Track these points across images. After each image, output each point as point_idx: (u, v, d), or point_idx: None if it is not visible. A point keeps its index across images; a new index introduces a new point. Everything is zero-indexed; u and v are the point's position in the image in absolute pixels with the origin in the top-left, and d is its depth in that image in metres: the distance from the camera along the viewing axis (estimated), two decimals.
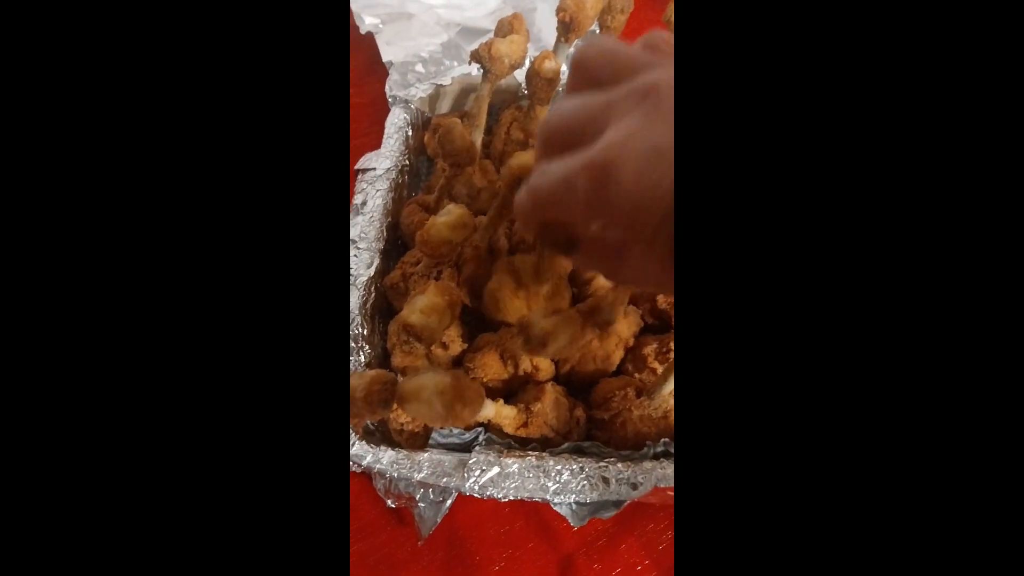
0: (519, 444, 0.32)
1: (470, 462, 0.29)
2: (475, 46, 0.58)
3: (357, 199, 0.45)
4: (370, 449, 0.30)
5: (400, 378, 0.25)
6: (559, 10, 0.38)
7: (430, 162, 0.47)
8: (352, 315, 0.34)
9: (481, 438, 0.31)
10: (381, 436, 0.33)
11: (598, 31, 0.40)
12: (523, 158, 0.28)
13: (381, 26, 0.54)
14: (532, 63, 0.39)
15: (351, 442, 0.30)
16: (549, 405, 0.31)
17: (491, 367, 0.33)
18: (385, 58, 0.50)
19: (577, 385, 0.35)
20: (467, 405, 0.24)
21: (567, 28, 0.39)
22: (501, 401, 0.30)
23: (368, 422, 0.33)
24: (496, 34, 0.40)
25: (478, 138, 0.43)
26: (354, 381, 0.23)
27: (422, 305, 0.25)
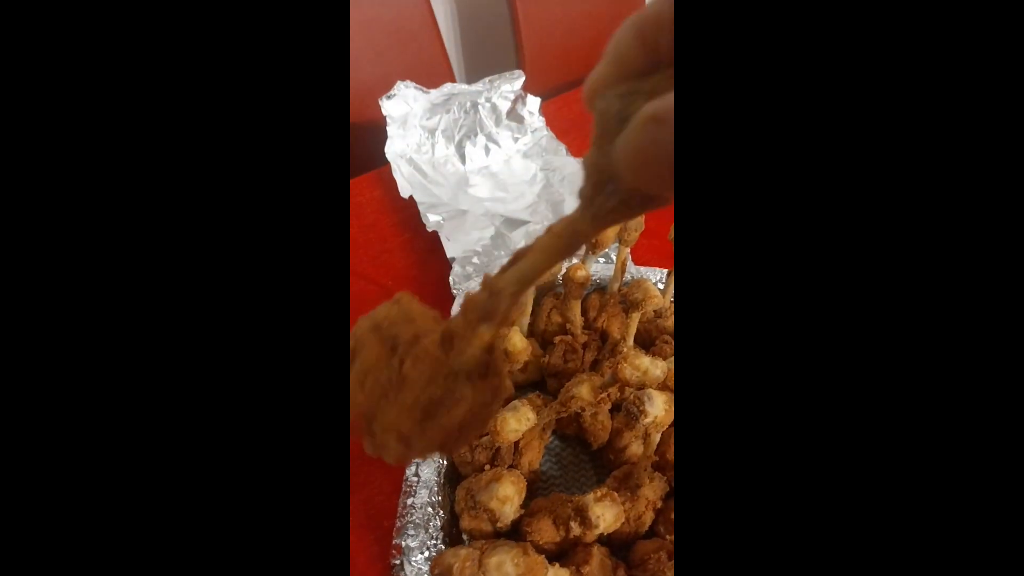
0: None
1: None
2: (516, 233, 0.71)
3: None
4: None
5: (481, 549, 0.32)
6: None
7: None
8: (430, 485, 0.42)
9: None
10: None
11: (618, 245, 0.51)
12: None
13: (443, 222, 0.68)
14: (567, 271, 0.50)
15: None
16: (596, 567, 0.38)
17: (546, 532, 0.40)
18: (448, 254, 0.62)
19: (616, 545, 0.42)
20: None
21: (593, 247, 0.50)
22: (557, 566, 0.37)
23: None
24: None
25: (524, 323, 0.53)
26: (449, 558, 0.31)
27: (499, 494, 0.34)
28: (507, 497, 0.33)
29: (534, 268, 0.18)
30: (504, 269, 0.19)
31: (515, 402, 0.39)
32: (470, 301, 0.19)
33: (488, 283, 0.19)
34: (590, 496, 0.32)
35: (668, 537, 0.40)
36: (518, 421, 0.38)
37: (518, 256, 0.19)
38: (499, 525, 0.37)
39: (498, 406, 0.20)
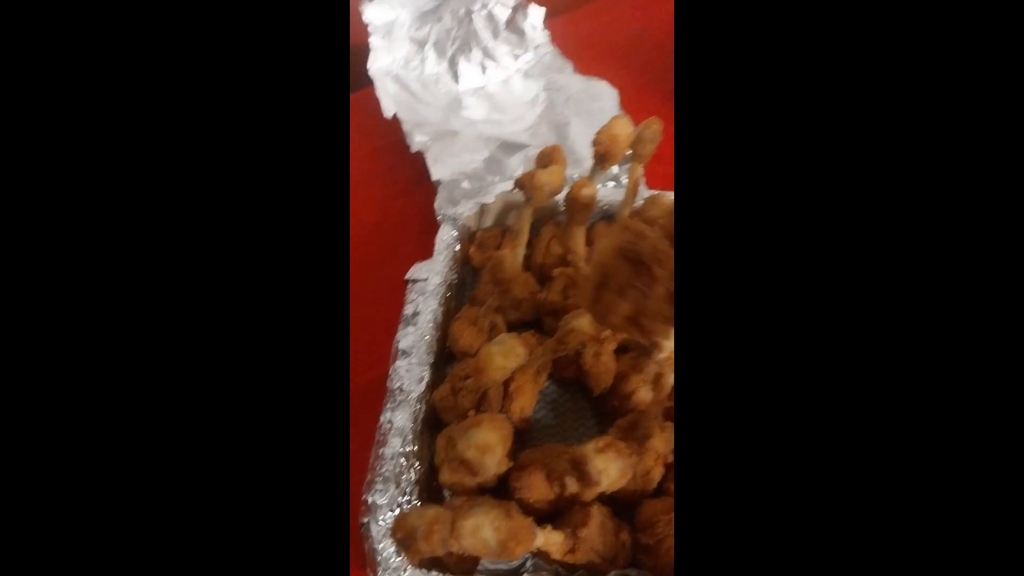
0: (566, 570, 0.32)
1: None
2: (514, 159, 0.63)
3: (408, 309, 0.48)
4: (421, 574, 0.31)
5: (453, 509, 0.26)
6: (595, 143, 0.42)
7: (475, 272, 0.51)
8: (404, 432, 0.36)
9: (528, 563, 0.31)
10: (431, 561, 0.33)
11: (632, 159, 0.43)
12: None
13: (429, 143, 0.59)
14: (571, 189, 0.43)
15: (404, 568, 0.31)
16: (595, 530, 0.32)
17: (537, 488, 0.34)
18: (434, 176, 0.54)
19: (620, 504, 0.36)
20: (520, 543, 0.25)
21: (603, 158, 0.42)
22: (549, 528, 0.31)
23: None
24: (537, 163, 0.44)
25: (520, 254, 0.46)
26: (414, 520, 0.25)
27: (478, 442, 0.27)
28: (488, 445, 0.27)
29: None
30: None
31: (502, 335, 0.32)
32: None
33: None
34: (590, 446, 0.26)
35: None
36: (505, 357, 0.31)
37: None
38: (479, 480, 0.31)
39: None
